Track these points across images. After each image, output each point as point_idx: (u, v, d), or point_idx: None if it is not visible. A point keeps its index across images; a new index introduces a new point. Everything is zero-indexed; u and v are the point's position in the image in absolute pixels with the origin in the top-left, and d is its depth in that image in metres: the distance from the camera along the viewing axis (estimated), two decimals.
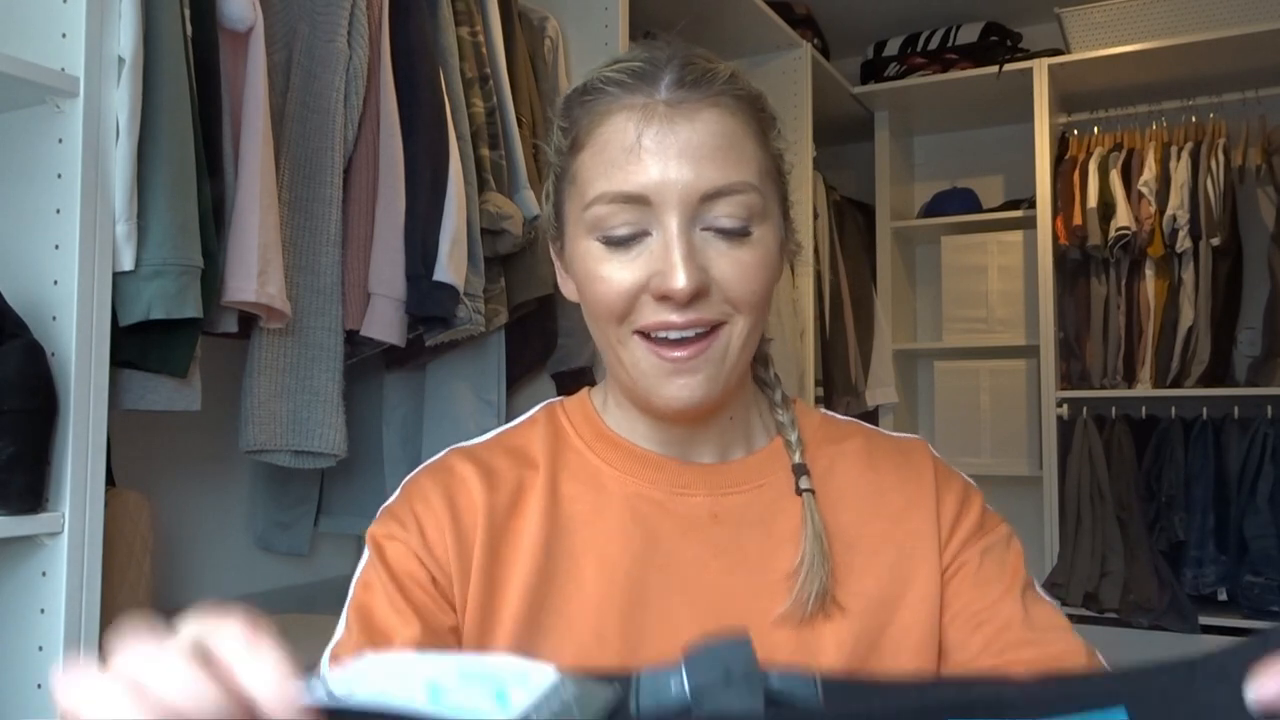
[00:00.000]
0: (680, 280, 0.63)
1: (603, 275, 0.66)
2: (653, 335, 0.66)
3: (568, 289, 0.75)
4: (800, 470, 0.73)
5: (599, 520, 0.71)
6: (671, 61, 0.67)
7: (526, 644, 0.67)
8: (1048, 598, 0.72)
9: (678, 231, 0.64)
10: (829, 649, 0.69)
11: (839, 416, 0.82)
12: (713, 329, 0.66)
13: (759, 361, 0.79)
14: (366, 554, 0.72)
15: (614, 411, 0.76)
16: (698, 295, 0.64)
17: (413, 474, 0.74)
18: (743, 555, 0.70)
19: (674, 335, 0.65)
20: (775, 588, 0.70)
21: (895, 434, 0.81)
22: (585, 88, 0.69)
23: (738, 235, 0.66)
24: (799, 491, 0.72)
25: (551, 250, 0.76)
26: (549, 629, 0.68)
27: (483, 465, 0.72)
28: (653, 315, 0.65)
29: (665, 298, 0.64)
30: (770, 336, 0.79)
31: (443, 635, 0.67)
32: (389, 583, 0.68)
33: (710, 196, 0.65)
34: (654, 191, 0.64)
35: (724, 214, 0.65)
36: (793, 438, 0.75)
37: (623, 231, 0.66)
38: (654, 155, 0.64)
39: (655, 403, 0.67)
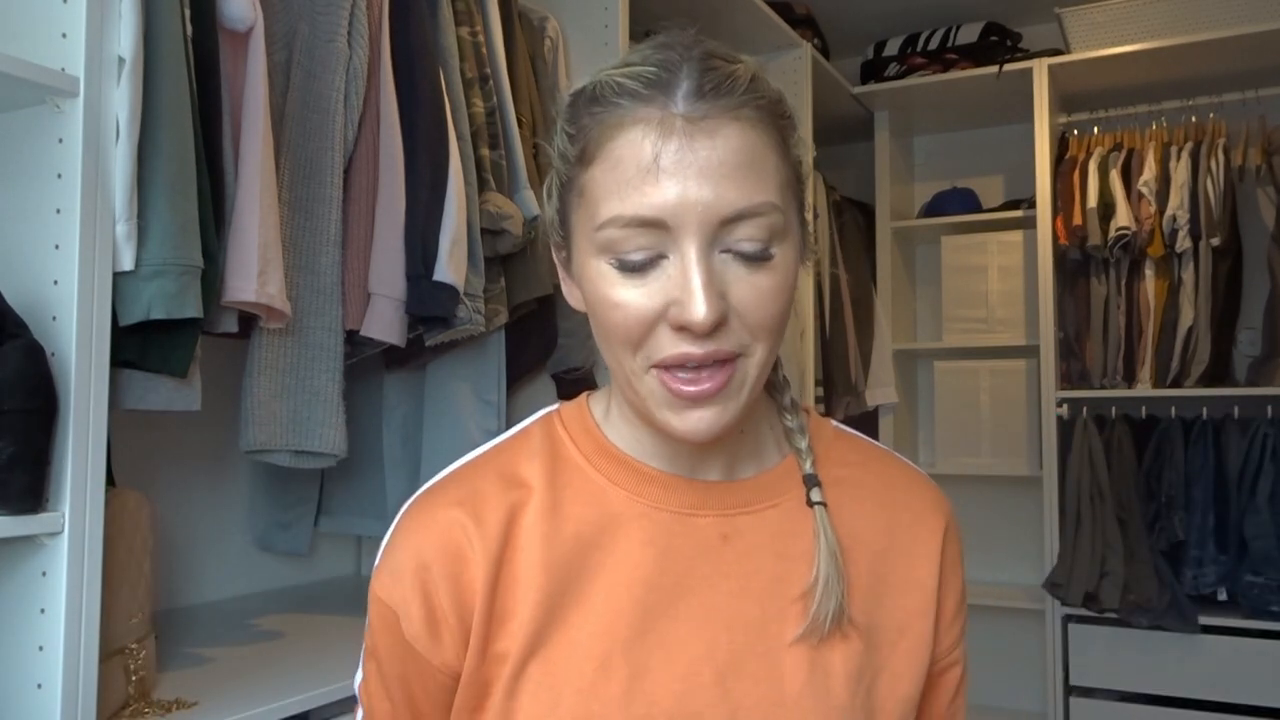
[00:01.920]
0: (700, 312, 0.59)
1: (617, 301, 0.63)
2: (669, 367, 0.63)
3: (573, 297, 0.72)
4: (812, 481, 0.71)
5: (607, 542, 0.69)
6: (687, 64, 0.62)
7: (529, 672, 0.66)
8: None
9: (697, 258, 0.60)
10: (838, 671, 0.68)
11: (853, 433, 0.80)
12: (730, 360, 0.63)
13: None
14: (369, 611, 0.72)
15: (618, 423, 0.73)
16: (717, 325, 0.61)
17: (404, 519, 0.72)
18: (754, 578, 0.69)
19: (692, 366, 0.62)
20: (787, 610, 0.69)
21: (908, 465, 0.80)
22: (595, 95, 0.64)
23: (758, 259, 0.62)
24: (810, 504, 0.70)
25: (555, 256, 0.73)
26: (553, 656, 0.66)
27: (470, 500, 0.69)
28: (671, 348, 0.62)
29: (683, 328, 0.61)
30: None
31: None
32: (392, 680, 0.70)
33: (730, 220, 0.61)
34: (671, 215, 0.60)
35: (745, 237, 0.62)
36: (802, 445, 0.73)
37: (638, 257, 0.62)
38: (672, 176, 0.60)
39: (669, 430, 0.65)
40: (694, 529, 0.69)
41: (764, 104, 0.64)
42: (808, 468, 0.72)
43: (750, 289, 0.62)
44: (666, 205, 0.60)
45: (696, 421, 0.63)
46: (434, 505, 0.71)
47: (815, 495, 0.70)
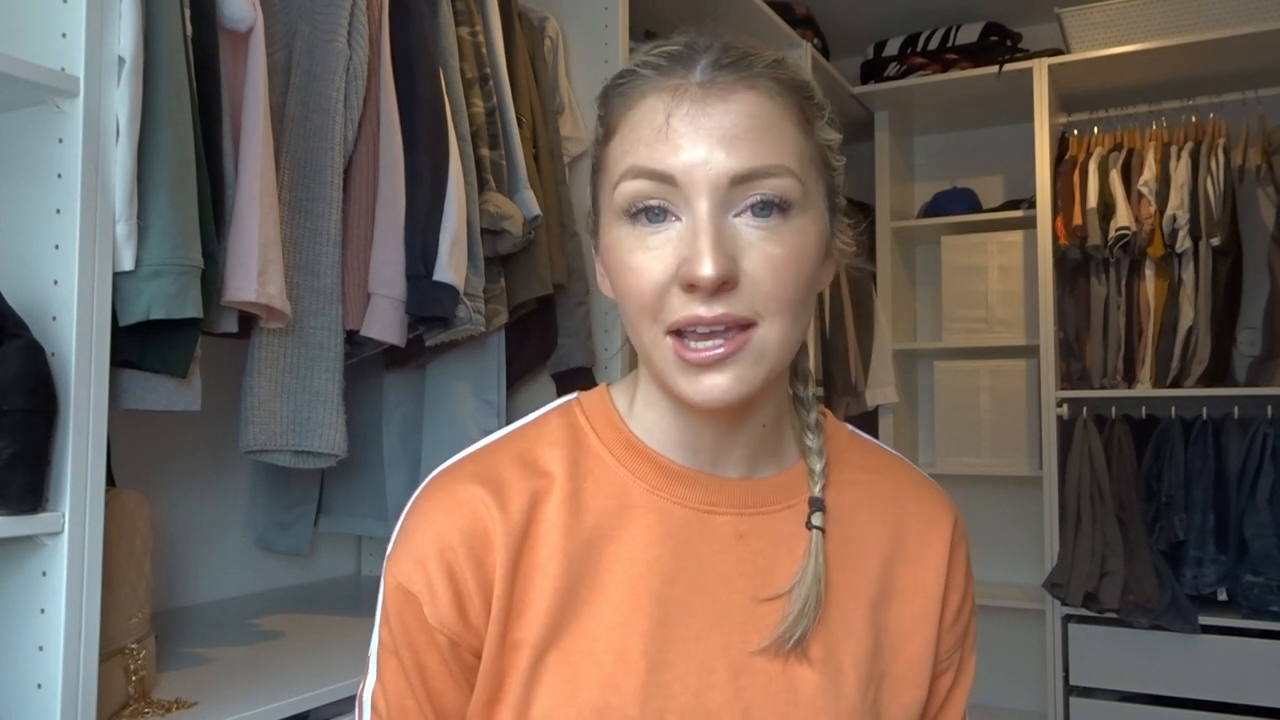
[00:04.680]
0: (706, 267, 0.59)
1: (633, 266, 0.63)
2: (683, 333, 0.62)
3: (605, 287, 0.72)
4: (817, 505, 0.71)
5: (626, 536, 0.68)
6: (711, 47, 0.65)
7: (547, 663, 0.66)
8: None
9: (707, 216, 0.61)
10: (849, 674, 0.69)
11: (867, 438, 0.80)
12: (744, 329, 0.62)
13: (798, 378, 0.76)
14: (384, 600, 0.70)
15: (640, 414, 0.72)
16: (725, 286, 0.61)
17: (423, 497, 0.71)
18: (769, 577, 0.69)
19: (703, 331, 0.62)
20: None
21: (919, 473, 0.80)
22: (621, 73, 0.67)
23: (771, 224, 0.62)
24: (809, 526, 0.70)
25: (594, 250, 0.74)
26: (571, 648, 0.66)
27: (492, 482, 0.68)
28: (682, 309, 0.61)
29: (692, 287, 0.61)
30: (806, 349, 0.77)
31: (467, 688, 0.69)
32: (413, 671, 0.69)
33: (741, 179, 0.61)
34: (682, 173, 0.61)
35: (756, 196, 0.62)
36: (817, 467, 0.72)
37: (650, 204, 0.63)
38: (684, 136, 0.62)
39: (684, 398, 0.64)
40: (711, 526, 0.69)
41: (784, 79, 0.65)
42: (816, 491, 0.71)
43: (761, 256, 0.62)
44: (677, 163, 0.62)
45: (710, 388, 0.62)
46: (454, 483, 0.69)
47: (816, 520, 0.70)
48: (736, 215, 0.62)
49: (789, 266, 0.62)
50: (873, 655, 0.70)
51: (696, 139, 0.62)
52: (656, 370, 0.66)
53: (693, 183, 0.61)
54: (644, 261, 0.63)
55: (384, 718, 0.70)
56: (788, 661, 0.67)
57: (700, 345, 0.62)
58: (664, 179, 0.62)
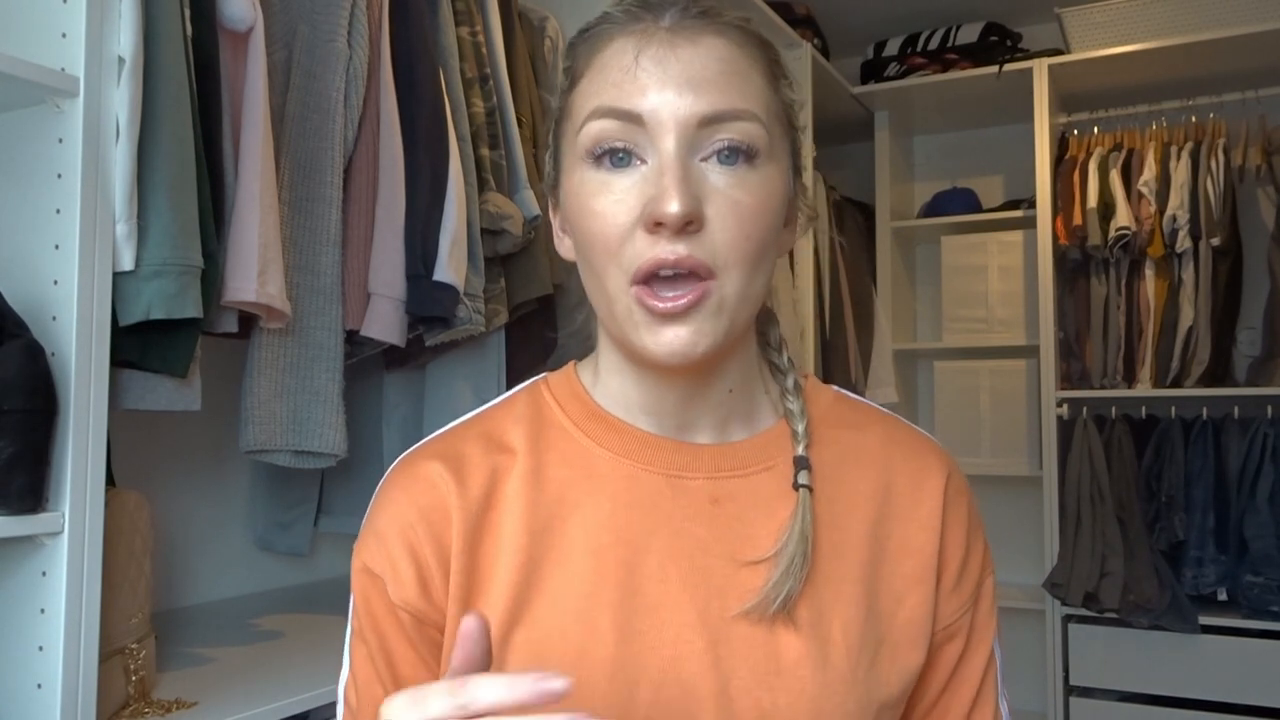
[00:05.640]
0: (673, 204, 0.58)
1: (596, 210, 0.62)
2: (647, 282, 0.61)
3: (563, 247, 0.72)
4: (802, 464, 0.68)
5: (590, 506, 0.67)
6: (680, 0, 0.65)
7: (514, 639, 0.65)
8: (1003, 694, 0.75)
9: (674, 156, 0.60)
10: (838, 640, 0.66)
11: (855, 397, 0.78)
12: (703, 277, 0.61)
13: (772, 346, 0.75)
14: (354, 595, 0.70)
15: (605, 383, 0.71)
16: (690, 226, 0.60)
17: (387, 479, 0.71)
18: (745, 543, 0.66)
19: (667, 275, 0.61)
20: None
21: (911, 427, 0.77)
22: (587, 26, 0.67)
23: (738, 171, 0.62)
24: (796, 486, 0.67)
25: (550, 211, 0.73)
26: (537, 621, 0.65)
27: (452, 459, 0.68)
28: (646, 251, 0.60)
29: (659, 225, 0.60)
30: (777, 314, 0.76)
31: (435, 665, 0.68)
32: (379, 655, 0.68)
33: (709, 122, 0.61)
34: (650, 113, 0.61)
35: (724, 139, 0.61)
36: (799, 428, 0.70)
37: (616, 145, 0.62)
38: (651, 76, 0.61)
39: (646, 353, 0.63)
40: (683, 491, 0.68)
41: (751, 32, 0.65)
42: (800, 450, 0.69)
43: (727, 202, 0.61)
44: (645, 103, 0.61)
45: (672, 339, 0.61)
46: (416, 463, 0.70)
47: (803, 478, 0.67)
48: (703, 159, 0.62)
49: (754, 216, 0.62)
50: (865, 621, 0.67)
51: (665, 80, 0.61)
52: (618, 325, 0.64)
53: (660, 123, 0.61)
54: (607, 205, 0.62)
55: (354, 709, 0.69)
56: (772, 627, 0.64)
57: (667, 294, 0.61)
58: (631, 119, 0.62)
